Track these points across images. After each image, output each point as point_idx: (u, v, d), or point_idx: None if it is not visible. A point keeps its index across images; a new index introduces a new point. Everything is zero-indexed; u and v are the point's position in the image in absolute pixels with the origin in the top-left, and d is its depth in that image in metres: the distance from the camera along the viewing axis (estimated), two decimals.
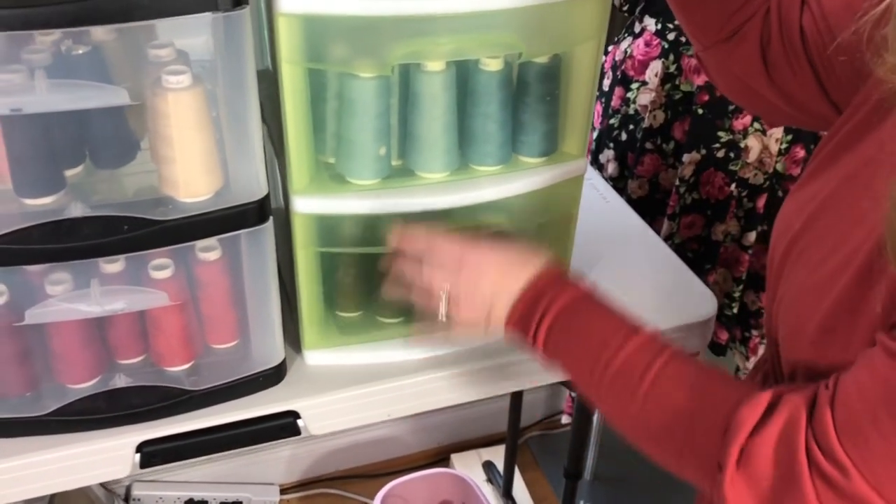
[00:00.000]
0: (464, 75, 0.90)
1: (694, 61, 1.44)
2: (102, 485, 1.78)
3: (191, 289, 0.88)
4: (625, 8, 1.53)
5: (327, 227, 0.91)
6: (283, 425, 0.93)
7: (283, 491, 1.95)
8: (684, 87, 1.48)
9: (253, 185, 0.82)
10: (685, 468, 0.70)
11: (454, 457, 2.04)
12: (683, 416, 0.69)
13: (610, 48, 1.61)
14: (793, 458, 0.62)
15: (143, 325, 0.89)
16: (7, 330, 0.81)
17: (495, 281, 0.79)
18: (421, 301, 0.84)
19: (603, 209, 1.29)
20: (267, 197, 0.83)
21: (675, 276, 1.16)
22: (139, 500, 1.83)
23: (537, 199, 0.96)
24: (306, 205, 0.87)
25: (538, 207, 0.99)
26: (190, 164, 0.78)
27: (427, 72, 0.86)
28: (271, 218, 0.84)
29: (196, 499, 1.86)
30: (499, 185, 0.92)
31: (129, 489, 1.84)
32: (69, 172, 0.83)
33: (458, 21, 0.81)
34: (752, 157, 1.48)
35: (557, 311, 0.76)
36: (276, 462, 1.94)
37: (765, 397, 0.65)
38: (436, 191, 0.90)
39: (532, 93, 0.92)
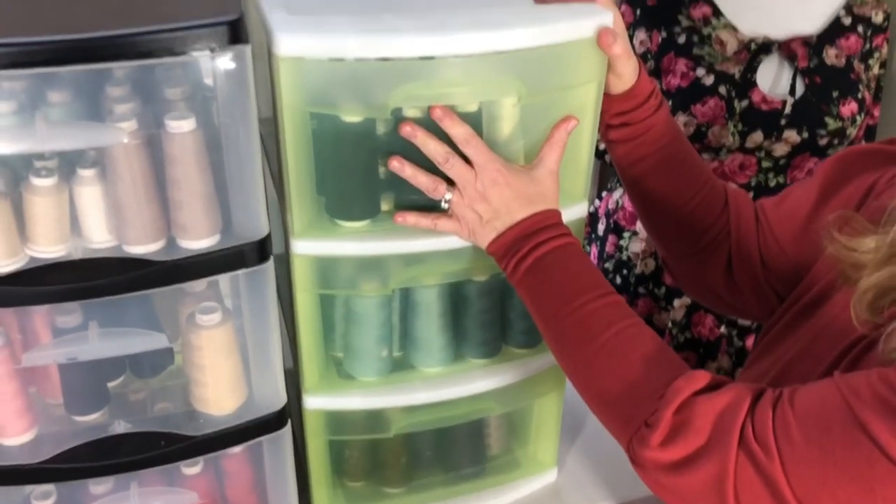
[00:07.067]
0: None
1: None
2: None
3: (217, 476, 0.98)
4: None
5: (336, 421, 1.02)
6: None
7: None
8: None
9: (272, 396, 0.92)
10: (614, 419, 0.79)
11: None
12: (629, 371, 0.78)
13: (604, 194, 1.72)
14: (728, 429, 0.70)
15: None
16: None
17: (506, 200, 0.85)
18: (427, 184, 0.87)
19: None
20: (286, 406, 0.93)
21: None
22: None
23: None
24: (317, 402, 0.99)
25: None
26: (219, 387, 0.88)
27: None
28: (290, 421, 0.95)
29: None
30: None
31: None
32: (112, 384, 0.94)
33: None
34: None
35: (547, 250, 0.84)
36: None
37: (702, 375, 0.75)
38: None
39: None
